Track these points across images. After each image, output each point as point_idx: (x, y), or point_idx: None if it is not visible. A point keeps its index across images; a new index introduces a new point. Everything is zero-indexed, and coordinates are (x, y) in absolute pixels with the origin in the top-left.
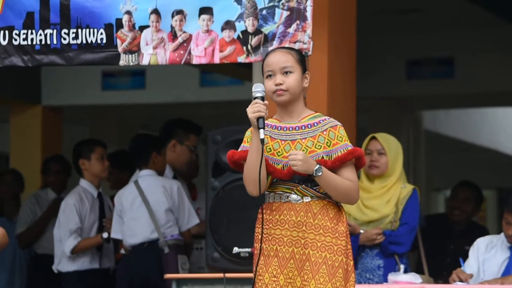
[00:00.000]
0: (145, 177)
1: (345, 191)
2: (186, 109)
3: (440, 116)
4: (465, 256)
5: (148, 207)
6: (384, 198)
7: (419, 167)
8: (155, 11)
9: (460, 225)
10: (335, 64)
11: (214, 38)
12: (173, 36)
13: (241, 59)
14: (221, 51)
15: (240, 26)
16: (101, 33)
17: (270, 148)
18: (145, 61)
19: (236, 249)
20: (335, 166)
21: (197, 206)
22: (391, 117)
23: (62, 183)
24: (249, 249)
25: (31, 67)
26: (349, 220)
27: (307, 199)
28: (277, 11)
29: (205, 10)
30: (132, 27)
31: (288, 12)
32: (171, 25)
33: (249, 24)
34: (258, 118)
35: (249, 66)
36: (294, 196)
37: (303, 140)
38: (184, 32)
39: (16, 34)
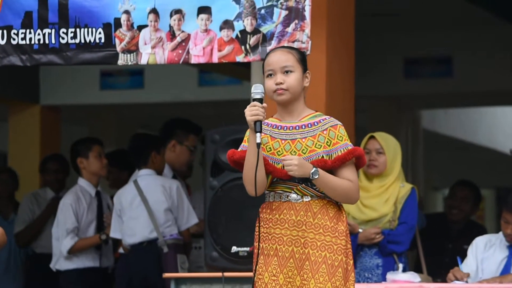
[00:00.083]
0: (144, 176)
1: (344, 192)
2: (184, 109)
3: (438, 115)
4: (464, 255)
5: (147, 206)
6: (383, 197)
7: (417, 166)
8: (154, 11)
9: (459, 224)
10: (334, 63)
11: (213, 37)
12: (172, 35)
13: (240, 58)
14: (219, 50)
15: (238, 25)
16: (100, 33)
17: (270, 148)
18: (143, 60)
19: (234, 248)
20: (335, 165)
21: (191, 205)
22: (389, 116)
23: (61, 182)
24: (247, 248)
25: (29, 67)
26: (348, 219)
27: (307, 199)
28: (276, 10)
29: (204, 10)
30: (130, 27)
31: (287, 12)
32: (170, 25)
33: (247, 23)
34: (255, 122)
35: (247, 65)
36: (294, 196)
37: (303, 140)
38: (183, 31)
39: (14, 33)
